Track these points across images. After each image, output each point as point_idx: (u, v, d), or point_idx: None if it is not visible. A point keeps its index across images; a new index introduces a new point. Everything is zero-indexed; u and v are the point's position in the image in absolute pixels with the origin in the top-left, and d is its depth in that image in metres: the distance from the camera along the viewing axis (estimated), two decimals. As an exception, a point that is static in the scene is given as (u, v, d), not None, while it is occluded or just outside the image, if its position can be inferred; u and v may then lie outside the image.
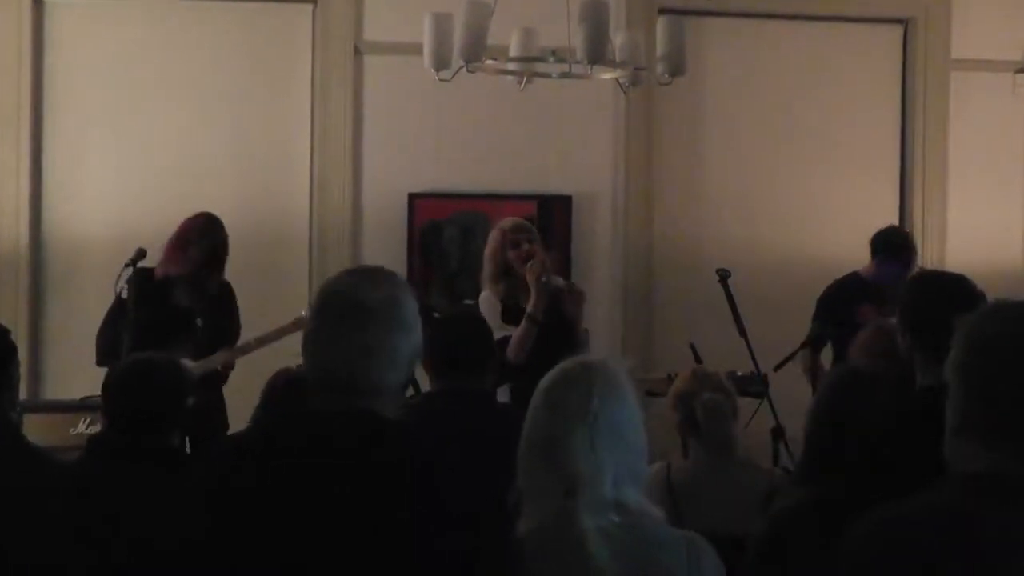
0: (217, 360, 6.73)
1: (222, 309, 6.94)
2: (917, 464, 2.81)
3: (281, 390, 4.53)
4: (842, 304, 7.44)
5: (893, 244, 7.55)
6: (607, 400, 2.82)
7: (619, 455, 2.80)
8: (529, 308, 6.45)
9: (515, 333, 6.41)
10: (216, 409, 6.68)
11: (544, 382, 2.90)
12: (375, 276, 2.68)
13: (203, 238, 6.89)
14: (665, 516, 2.88)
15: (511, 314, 6.52)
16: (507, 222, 6.85)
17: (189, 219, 7.01)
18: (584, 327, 6.77)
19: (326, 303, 2.64)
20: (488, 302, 6.63)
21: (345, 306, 2.61)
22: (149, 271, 6.77)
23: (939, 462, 2.38)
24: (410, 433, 2.73)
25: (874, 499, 2.43)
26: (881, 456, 3.39)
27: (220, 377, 6.81)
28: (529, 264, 6.49)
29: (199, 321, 6.82)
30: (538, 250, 6.60)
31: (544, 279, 6.47)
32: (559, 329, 6.44)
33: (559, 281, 6.77)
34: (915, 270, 7.37)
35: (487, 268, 6.71)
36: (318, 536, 2.47)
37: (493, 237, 6.74)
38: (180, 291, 6.85)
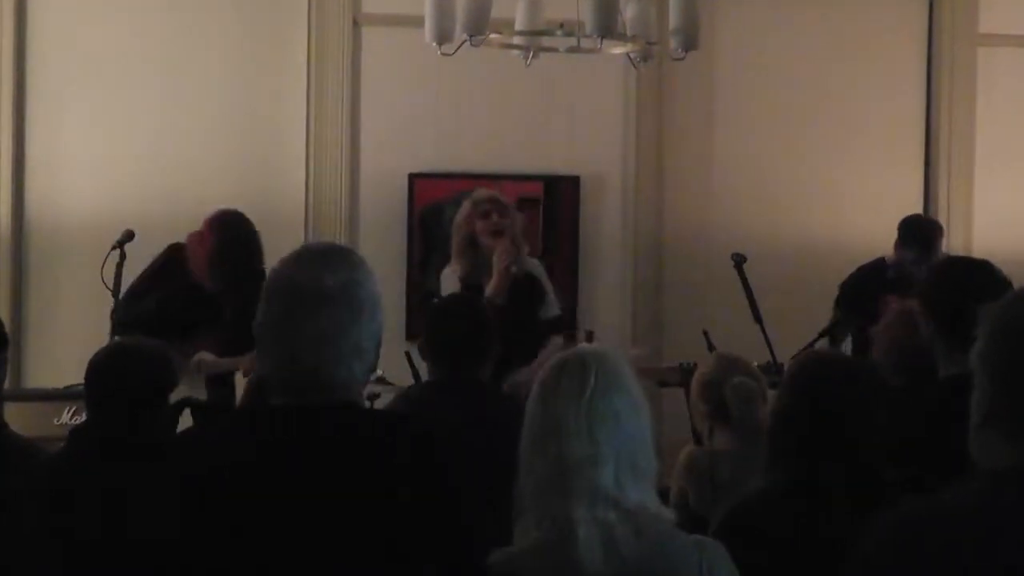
0: (241, 362, 6.48)
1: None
2: (937, 465, 2.82)
3: (256, 386, 4.52)
4: (866, 291, 7.45)
5: (912, 229, 7.56)
6: (605, 386, 2.83)
7: (618, 443, 2.79)
8: (489, 291, 6.40)
9: None
10: (225, 406, 6.59)
11: (540, 374, 2.91)
12: (329, 258, 2.61)
13: (225, 262, 6.67)
14: (697, 507, 2.88)
15: (471, 291, 6.37)
16: (478, 192, 6.77)
17: (219, 224, 6.76)
18: (589, 329, 6.75)
19: (277, 290, 2.57)
20: (448, 280, 6.59)
21: (298, 293, 2.54)
22: (180, 248, 6.67)
23: (961, 459, 2.38)
24: (394, 421, 2.71)
25: (842, 486, 2.43)
26: (855, 441, 3.37)
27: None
28: (500, 249, 6.42)
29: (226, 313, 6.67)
30: (509, 230, 6.50)
31: (513, 268, 6.39)
32: (525, 320, 6.39)
33: (532, 263, 6.67)
34: (938, 258, 7.37)
35: (453, 240, 6.64)
36: (284, 535, 2.45)
37: (463, 207, 6.67)
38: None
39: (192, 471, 2.54)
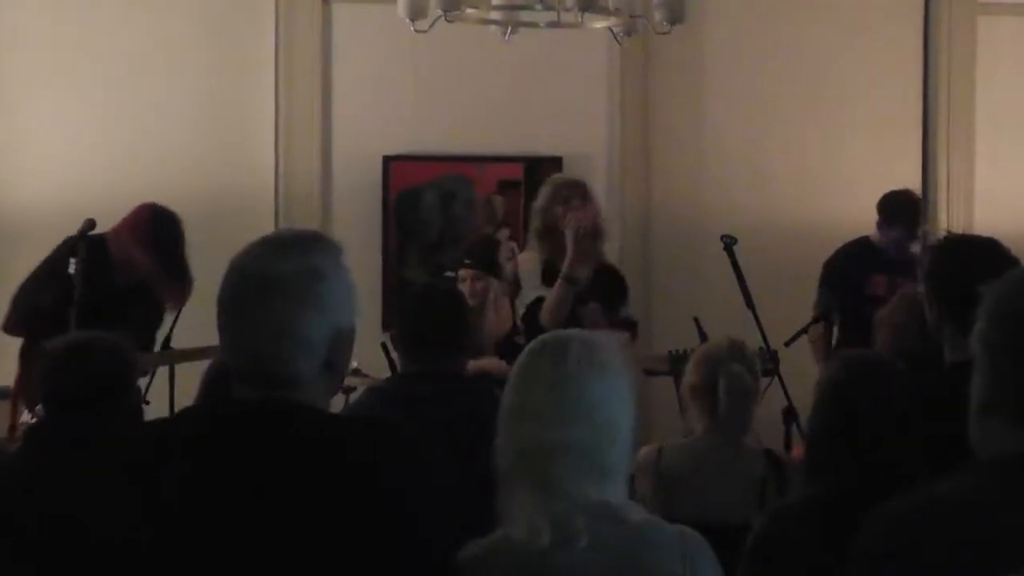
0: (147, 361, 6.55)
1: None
2: (941, 454, 2.80)
3: (212, 380, 4.50)
4: (851, 272, 7.47)
5: (892, 206, 7.58)
6: (582, 371, 2.78)
7: (587, 434, 2.74)
8: (565, 268, 6.41)
9: (549, 294, 6.38)
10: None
11: (519, 357, 2.88)
12: (289, 244, 2.58)
13: (155, 252, 6.71)
14: (650, 503, 2.86)
15: (552, 277, 6.45)
16: (559, 176, 6.90)
17: (139, 222, 6.79)
18: (634, 318, 6.75)
19: (228, 277, 2.56)
20: (528, 262, 6.65)
21: (249, 281, 2.53)
22: (101, 242, 6.71)
23: (966, 449, 2.36)
24: (338, 423, 2.67)
25: (886, 494, 2.42)
26: (897, 448, 3.39)
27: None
28: (567, 217, 6.44)
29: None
30: (585, 208, 6.53)
31: (582, 231, 6.39)
32: (605, 298, 6.41)
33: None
34: (922, 235, 7.41)
35: (532, 223, 6.73)
36: (220, 540, 2.44)
37: (543, 191, 6.71)
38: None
39: (135, 472, 2.52)
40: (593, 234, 6.50)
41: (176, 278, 6.59)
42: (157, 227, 6.70)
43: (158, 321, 6.74)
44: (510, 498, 2.77)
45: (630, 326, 6.61)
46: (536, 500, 2.72)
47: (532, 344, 2.88)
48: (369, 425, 2.71)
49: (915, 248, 7.45)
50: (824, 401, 3.53)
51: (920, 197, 7.83)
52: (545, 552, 2.70)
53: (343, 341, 2.58)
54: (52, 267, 6.61)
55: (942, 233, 6.35)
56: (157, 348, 6.76)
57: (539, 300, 6.41)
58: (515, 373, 2.85)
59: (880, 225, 7.59)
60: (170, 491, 2.48)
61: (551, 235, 6.58)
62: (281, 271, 2.52)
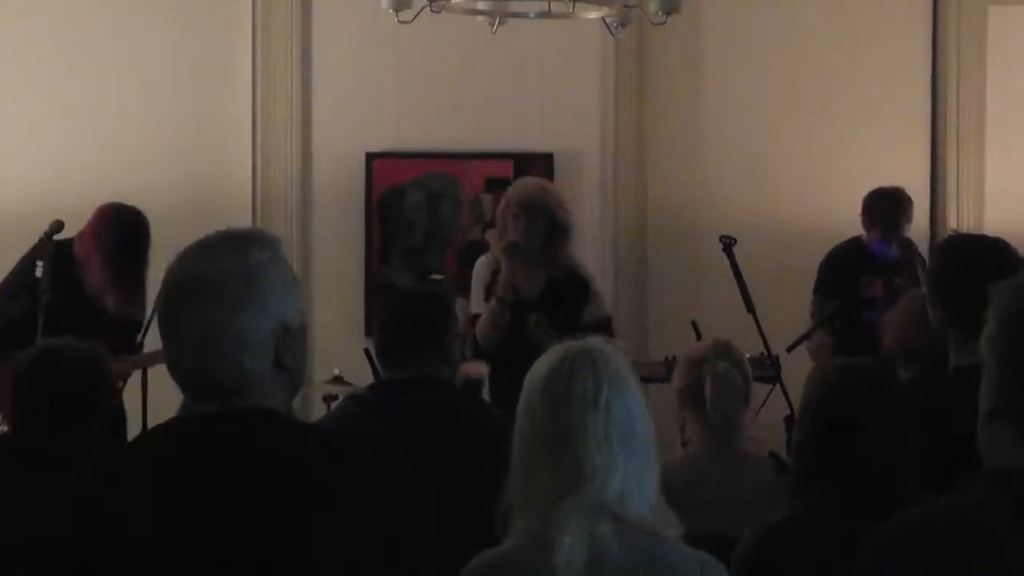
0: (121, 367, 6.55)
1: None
2: (945, 463, 2.81)
3: None
4: (842, 274, 7.51)
5: (871, 205, 7.62)
6: (618, 388, 2.85)
7: (631, 452, 2.82)
8: (499, 289, 6.47)
9: (484, 312, 6.45)
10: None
11: (540, 370, 2.88)
12: (221, 244, 2.57)
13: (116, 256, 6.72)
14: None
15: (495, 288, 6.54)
16: (516, 188, 6.81)
17: (101, 223, 6.79)
18: (607, 315, 6.76)
19: (164, 283, 2.56)
20: (478, 271, 6.70)
21: (182, 286, 2.52)
22: (68, 246, 6.72)
23: (969, 457, 2.37)
24: (305, 434, 2.66)
25: (878, 510, 2.43)
26: (890, 461, 3.38)
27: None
28: (503, 245, 6.49)
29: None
30: (529, 228, 6.54)
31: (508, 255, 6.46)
32: (564, 318, 6.43)
33: (579, 263, 6.77)
34: (904, 234, 7.44)
35: (493, 232, 6.77)
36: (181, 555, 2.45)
37: (502, 199, 6.75)
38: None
39: (92, 492, 2.52)
40: (548, 240, 6.52)
41: (130, 286, 6.59)
42: (113, 230, 6.69)
43: (134, 330, 6.74)
44: (536, 517, 2.78)
45: (602, 325, 6.61)
46: (579, 522, 2.76)
47: (551, 362, 2.90)
48: (327, 440, 2.68)
49: (895, 250, 7.48)
50: (810, 412, 3.52)
51: (906, 196, 7.81)
52: (557, 560, 2.73)
53: (292, 338, 2.56)
54: (23, 272, 6.62)
55: (948, 232, 6.36)
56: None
57: (477, 316, 6.45)
58: (549, 396, 2.86)
59: (864, 224, 7.65)
60: (131, 518, 2.47)
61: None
62: (213, 273, 2.51)
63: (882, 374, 3.57)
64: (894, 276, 7.33)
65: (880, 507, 3.00)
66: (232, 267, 2.52)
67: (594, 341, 2.97)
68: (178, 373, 2.54)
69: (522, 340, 6.19)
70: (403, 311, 4.53)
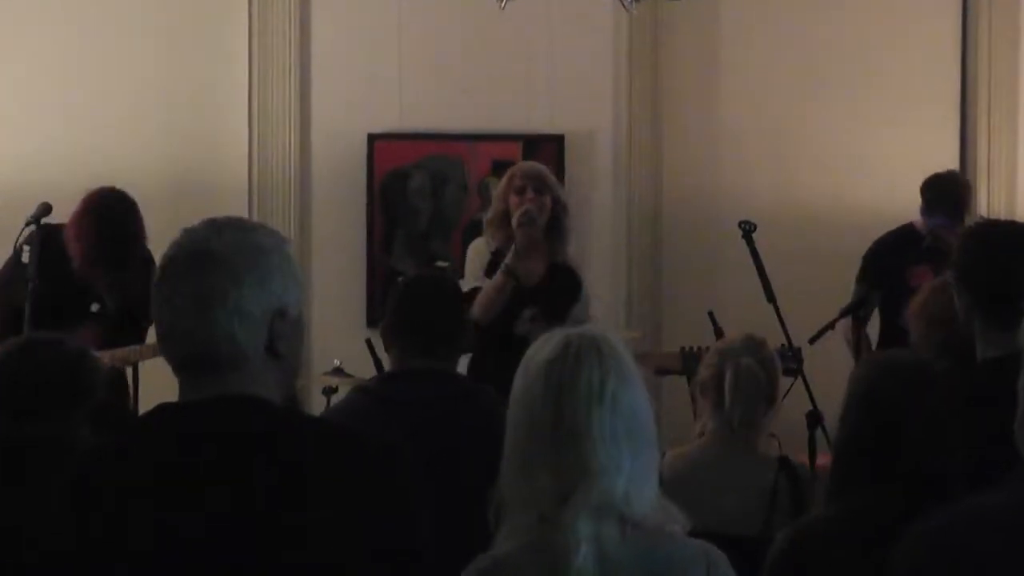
0: (114, 356, 6.56)
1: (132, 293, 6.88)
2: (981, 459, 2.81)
3: None
4: (892, 262, 7.46)
5: (932, 190, 7.58)
6: (622, 379, 2.84)
7: (637, 449, 2.82)
8: (508, 259, 6.50)
9: (487, 284, 6.50)
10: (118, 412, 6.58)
11: (540, 357, 2.87)
12: (229, 224, 2.64)
13: (100, 239, 6.77)
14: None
15: (497, 268, 6.64)
16: (520, 164, 7.03)
17: (86, 207, 6.84)
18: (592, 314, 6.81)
19: (164, 257, 2.61)
20: (476, 249, 6.76)
21: (184, 257, 2.57)
22: (56, 229, 6.74)
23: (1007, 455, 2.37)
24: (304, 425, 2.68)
25: (922, 509, 2.43)
26: (935, 459, 3.39)
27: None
28: (520, 211, 6.56)
29: (94, 306, 6.77)
30: (538, 199, 6.65)
31: (527, 219, 6.51)
32: (556, 310, 6.47)
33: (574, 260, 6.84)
34: (968, 221, 7.40)
35: (489, 212, 6.89)
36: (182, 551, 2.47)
37: (503, 179, 6.88)
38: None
39: (81, 491, 2.54)
40: (550, 226, 6.60)
41: (115, 269, 6.63)
42: (101, 213, 6.72)
43: (140, 313, 6.77)
44: (535, 516, 2.79)
45: None
46: (587, 525, 2.76)
47: (553, 349, 2.87)
48: (333, 434, 2.70)
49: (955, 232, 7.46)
50: (853, 409, 3.53)
51: (967, 181, 7.83)
52: (570, 565, 2.73)
53: (288, 325, 2.60)
54: (18, 259, 6.65)
55: (977, 219, 6.36)
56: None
57: (476, 290, 6.50)
58: (542, 383, 2.85)
59: (922, 211, 7.60)
60: (113, 507, 2.50)
61: (503, 225, 6.70)
62: (217, 245, 2.57)
63: (926, 370, 3.58)
64: (944, 266, 7.30)
65: (925, 506, 3.02)
66: (237, 242, 2.58)
67: (597, 328, 2.97)
68: (170, 345, 2.58)
69: (509, 330, 6.33)
70: (412, 301, 4.55)
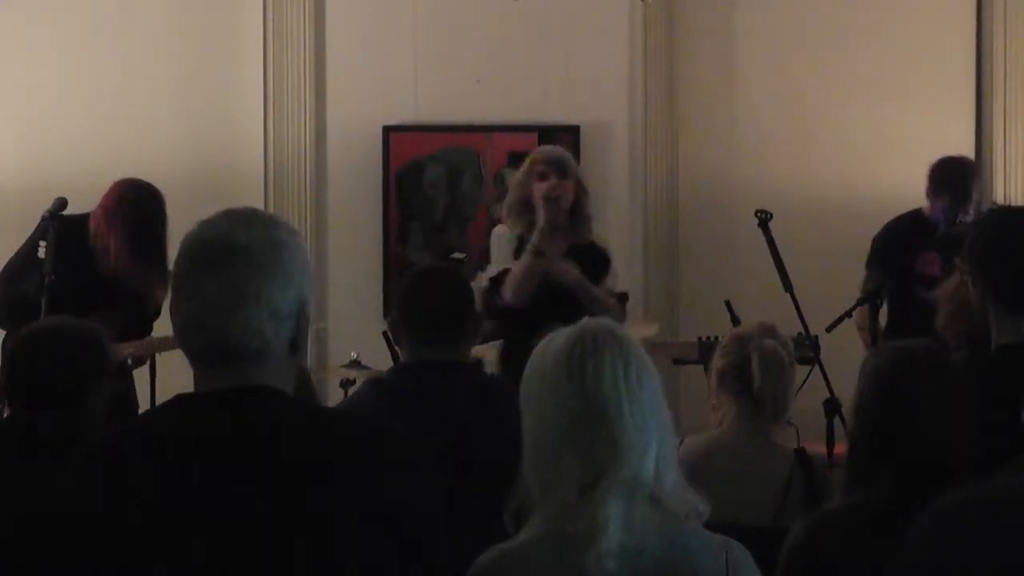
0: (127, 349, 6.60)
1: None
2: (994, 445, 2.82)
3: None
4: (899, 249, 7.47)
5: (939, 174, 7.57)
6: (640, 364, 2.87)
7: (663, 430, 2.85)
8: (534, 238, 6.49)
9: (514, 266, 6.46)
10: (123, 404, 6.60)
11: (554, 347, 2.89)
12: (249, 216, 2.64)
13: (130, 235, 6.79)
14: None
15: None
16: (540, 149, 6.94)
17: (112, 202, 6.85)
18: (623, 290, 6.80)
19: (186, 248, 2.61)
20: (501, 236, 6.73)
21: (210, 249, 2.57)
22: (76, 220, 6.74)
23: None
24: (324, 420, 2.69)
25: (931, 496, 2.44)
26: (951, 449, 3.39)
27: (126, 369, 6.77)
28: (545, 188, 6.54)
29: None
30: (566, 185, 6.64)
31: (553, 196, 6.51)
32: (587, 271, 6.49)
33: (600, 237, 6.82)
34: (973, 206, 7.40)
35: (508, 198, 6.81)
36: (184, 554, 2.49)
37: (523, 165, 6.82)
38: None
39: (96, 479, 2.55)
40: (573, 209, 6.59)
41: (149, 264, 6.64)
42: (132, 207, 6.74)
43: (152, 308, 6.79)
44: (564, 501, 2.81)
45: (620, 298, 6.66)
46: (617, 504, 2.78)
47: (570, 339, 2.89)
48: (349, 425, 2.72)
49: (967, 220, 7.44)
50: (866, 399, 3.53)
51: (974, 164, 7.81)
52: (589, 556, 2.75)
53: (305, 320, 2.63)
54: (31, 252, 6.67)
55: (992, 205, 6.35)
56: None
57: (506, 272, 6.48)
58: (564, 372, 2.86)
59: (928, 195, 7.59)
60: (138, 494, 2.51)
61: (526, 210, 6.67)
62: (244, 239, 2.57)
63: (937, 359, 3.58)
64: (954, 253, 7.29)
65: (938, 494, 3.03)
66: (261, 235, 2.58)
67: (606, 320, 2.99)
68: (197, 335, 2.57)
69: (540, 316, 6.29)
70: (424, 291, 4.55)
